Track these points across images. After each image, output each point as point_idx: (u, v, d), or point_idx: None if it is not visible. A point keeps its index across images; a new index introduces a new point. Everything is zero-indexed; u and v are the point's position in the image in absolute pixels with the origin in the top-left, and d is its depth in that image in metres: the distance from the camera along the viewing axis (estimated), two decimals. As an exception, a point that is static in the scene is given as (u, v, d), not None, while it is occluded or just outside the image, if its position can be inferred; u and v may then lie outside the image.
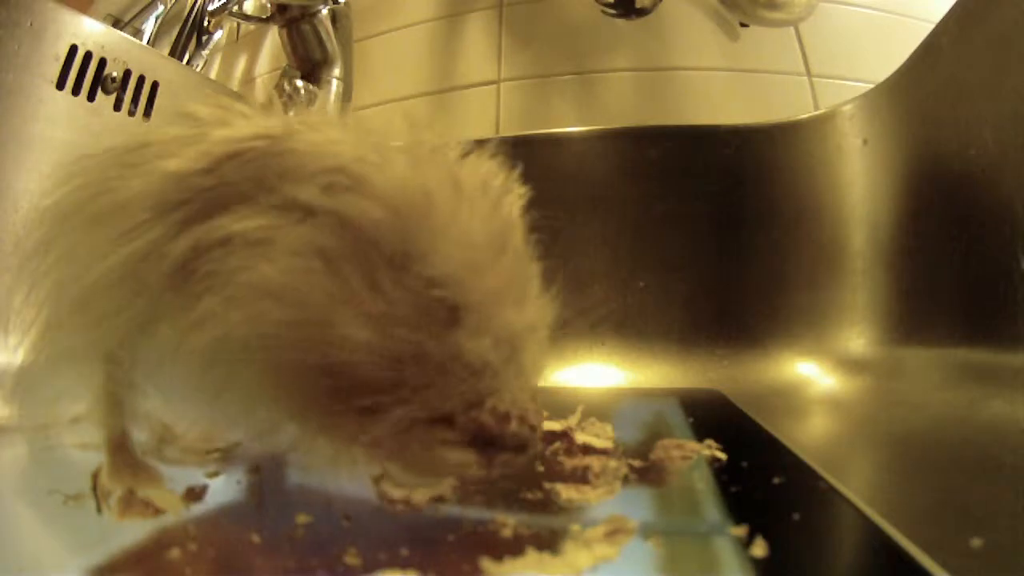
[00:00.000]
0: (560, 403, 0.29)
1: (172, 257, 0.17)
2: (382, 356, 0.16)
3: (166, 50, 0.64)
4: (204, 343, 0.17)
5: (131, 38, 0.46)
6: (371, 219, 0.16)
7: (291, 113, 0.21)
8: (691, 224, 0.47)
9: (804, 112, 0.46)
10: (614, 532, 0.17)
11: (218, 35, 0.67)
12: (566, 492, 0.21)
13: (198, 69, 0.64)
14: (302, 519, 0.19)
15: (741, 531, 0.17)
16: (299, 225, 0.17)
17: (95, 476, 0.21)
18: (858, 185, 0.42)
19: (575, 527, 0.18)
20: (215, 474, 0.23)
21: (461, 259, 0.17)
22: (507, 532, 0.18)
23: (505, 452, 0.18)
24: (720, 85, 0.55)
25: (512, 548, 0.16)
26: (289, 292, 0.16)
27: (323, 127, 0.19)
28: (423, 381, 0.17)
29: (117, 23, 0.61)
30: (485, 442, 0.17)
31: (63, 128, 0.40)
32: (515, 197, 0.20)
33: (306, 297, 0.16)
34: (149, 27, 0.63)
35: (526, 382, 0.18)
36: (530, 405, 0.18)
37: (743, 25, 0.55)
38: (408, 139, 0.19)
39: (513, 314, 0.18)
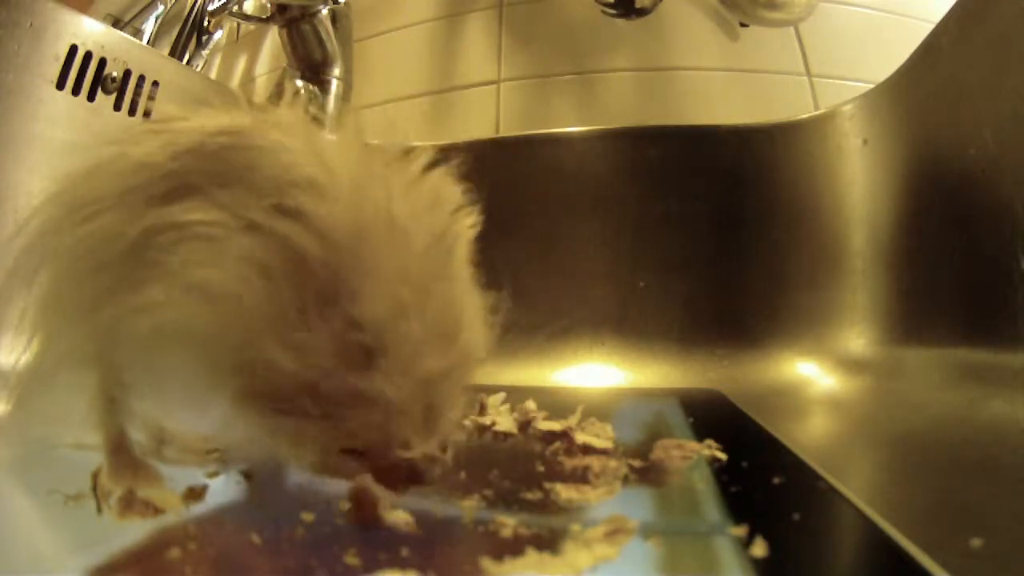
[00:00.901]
0: (560, 403, 0.29)
1: (127, 238, 0.18)
2: (299, 381, 0.17)
3: (166, 50, 0.64)
4: (144, 329, 0.17)
5: (131, 38, 0.46)
6: (307, 251, 0.17)
7: (255, 108, 0.22)
8: (691, 224, 0.47)
9: (804, 112, 0.46)
10: (614, 532, 0.17)
11: (218, 35, 0.67)
12: (566, 492, 0.21)
13: (198, 69, 0.64)
14: (302, 519, 0.19)
15: (741, 531, 0.17)
16: (245, 235, 0.17)
17: (95, 476, 0.21)
18: (858, 185, 0.42)
19: (575, 527, 0.18)
20: (215, 474, 0.23)
21: (385, 303, 0.17)
22: (507, 532, 0.18)
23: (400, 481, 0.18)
24: (720, 85, 0.55)
25: (512, 548, 0.16)
26: (226, 300, 0.17)
27: (285, 128, 0.19)
28: (332, 413, 0.17)
29: (117, 23, 0.61)
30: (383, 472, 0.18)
31: (63, 128, 0.40)
32: (463, 222, 0.20)
33: (240, 309, 0.17)
34: (149, 27, 0.63)
35: (435, 426, 0.18)
36: (432, 448, 0.18)
37: (743, 25, 0.55)
38: (364, 149, 0.19)
39: (431, 359, 0.18)
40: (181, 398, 0.19)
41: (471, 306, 0.20)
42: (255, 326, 0.17)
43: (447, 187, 0.20)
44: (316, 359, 0.17)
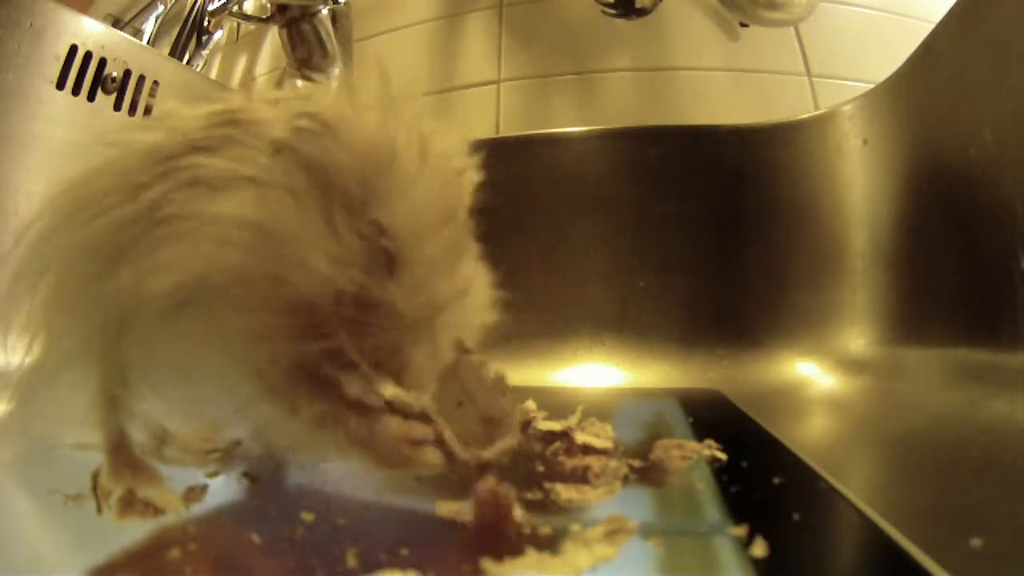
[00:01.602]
0: (560, 403, 0.29)
1: (137, 217, 0.18)
2: (330, 292, 0.17)
3: (166, 50, 0.64)
4: (165, 287, 0.17)
5: (131, 38, 0.46)
6: (336, 162, 0.17)
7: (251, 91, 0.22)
8: (691, 224, 0.47)
9: (804, 112, 0.46)
10: (614, 532, 0.17)
11: (218, 35, 0.67)
12: (566, 492, 0.21)
13: (198, 69, 0.64)
14: (302, 519, 0.19)
15: (741, 531, 0.17)
16: (269, 158, 0.17)
17: (95, 476, 0.21)
18: (858, 185, 0.42)
19: (575, 527, 0.18)
20: (215, 474, 0.23)
21: (412, 218, 0.18)
22: (507, 532, 0.18)
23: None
24: (720, 85, 0.55)
25: (512, 548, 0.16)
26: (255, 223, 0.17)
27: (291, 94, 0.20)
28: (358, 321, 0.17)
29: (117, 23, 0.61)
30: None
31: (63, 128, 0.40)
32: (470, 175, 0.21)
33: (271, 228, 0.17)
34: (149, 27, 0.63)
35: (446, 340, 0.19)
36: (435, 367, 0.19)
37: (743, 25, 0.55)
38: (382, 96, 0.20)
39: (445, 279, 0.19)
40: (202, 382, 0.19)
41: (472, 249, 0.21)
42: (290, 246, 0.17)
43: (456, 142, 0.21)
44: (346, 268, 0.17)
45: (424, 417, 0.19)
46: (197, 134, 0.19)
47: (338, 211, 0.17)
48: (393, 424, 0.18)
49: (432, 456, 0.19)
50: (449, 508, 0.19)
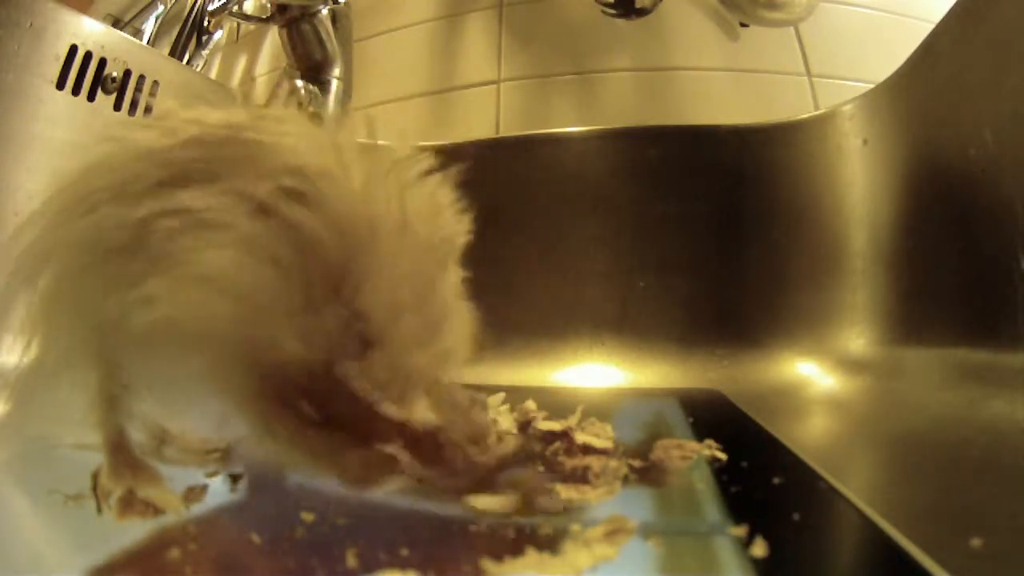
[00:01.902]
0: (560, 403, 0.29)
1: (127, 228, 0.18)
2: (302, 365, 0.17)
3: (166, 50, 0.64)
4: (146, 323, 0.17)
5: (131, 38, 0.46)
6: (319, 238, 0.17)
7: (256, 105, 0.22)
8: (691, 224, 0.47)
9: (804, 112, 0.46)
10: (614, 532, 0.17)
11: (218, 35, 0.67)
12: (566, 492, 0.21)
13: (198, 69, 0.64)
14: (302, 519, 0.19)
15: (741, 531, 0.17)
16: (253, 220, 0.17)
17: (95, 476, 0.21)
18: (858, 185, 0.42)
19: (575, 527, 0.18)
20: (215, 474, 0.23)
21: (388, 299, 0.18)
22: (507, 532, 0.18)
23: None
24: (720, 85, 0.55)
25: (512, 548, 0.16)
26: (234, 288, 0.17)
27: (288, 122, 0.20)
28: (329, 390, 0.18)
29: (117, 23, 0.61)
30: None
31: (63, 128, 0.40)
32: (459, 228, 0.21)
33: (250, 297, 0.17)
34: (149, 27, 0.63)
35: (409, 404, 0.19)
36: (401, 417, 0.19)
37: (743, 25, 0.55)
38: (368, 146, 0.20)
39: (420, 354, 0.19)
40: (180, 395, 0.19)
41: (460, 310, 0.21)
42: (266, 317, 0.17)
43: (444, 191, 0.21)
44: (319, 343, 0.17)
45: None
46: (193, 150, 0.19)
47: (317, 287, 0.17)
48: (360, 452, 0.19)
49: (398, 480, 0.19)
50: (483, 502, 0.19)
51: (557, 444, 0.26)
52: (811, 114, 0.46)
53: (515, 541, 0.17)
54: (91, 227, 0.19)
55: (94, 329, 0.20)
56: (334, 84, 0.58)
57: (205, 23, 0.65)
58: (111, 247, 0.18)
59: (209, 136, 0.19)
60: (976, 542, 0.16)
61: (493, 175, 0.49)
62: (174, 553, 0.16)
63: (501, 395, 0.31)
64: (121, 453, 0.21)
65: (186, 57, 0.64)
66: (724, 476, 0.22)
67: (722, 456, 0.24)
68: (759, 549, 0.16)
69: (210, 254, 0.17)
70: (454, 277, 0.21)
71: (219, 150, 0.19)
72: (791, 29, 0.55)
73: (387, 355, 0.18)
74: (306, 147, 0.19)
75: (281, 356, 0.17)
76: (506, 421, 0.28)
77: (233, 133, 0.19)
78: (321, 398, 0.18)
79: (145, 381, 0.20)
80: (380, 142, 0.21)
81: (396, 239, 0.18)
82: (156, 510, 0.19)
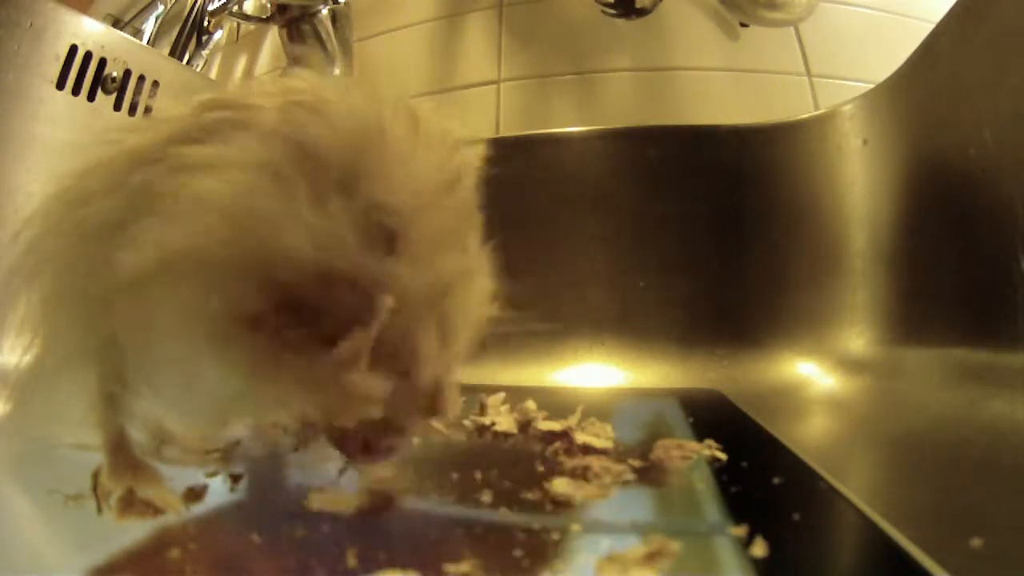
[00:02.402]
0: (560, 403, 0.29)
1: (122, 192, 0.17)
2: (317, 275, 0.16)
3: (166, 50, 0.64)
4: (131, 262, 0.16)
5: (131, 38, 0.46)
6: (325, 142, 0.16)
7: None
8: (691, 224, 0.47)
9: (804, 112, 0.46)
10: (655, 555, 0.16)
11: (218, 35, 0.67)
12: (562, 487, 0.21)
13: (198, 69, 0.64)
14: (302, 518, 0.19)
15: (741, 531, 0.17)
16: (250, 143, 0.17)
17: (95, 476, 0.21)
18: (858, 185, 0.42)
19: (575, 527, 0.18)
20: (215, 474, 0.23)
21: (409, 193, 0.17)
22: (514, 534, 0.18)
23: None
24: (720, 85, 0.55)
25: (512, 548, 0.16)
26: (235, 206, 0.16)
27: (273, 87, 0.19)
28: (349, 307, 0.16)
29: (117, 23, 0.61)
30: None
31: (63, 128, 0.40)
32: (470, 153, 0.20)
33: (252, 211, 0.16)
34: (149, 27, 0.63)
35: (450, 327, 0.18)
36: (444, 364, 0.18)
37: (743, 25, 0.55)
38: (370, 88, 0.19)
39: (451, 253, 0.18)
40: (178, 352, 0.18)
41: (477, 225, 0.20)
42: (272, 228, 0.16)
43: (450, 123, 0.20)
44: (339, 249, 0.16)
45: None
46: (183, 125, 0.19)
47: (329, 190, 0.16)
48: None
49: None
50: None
51: (557, 444, 0.26)
52: (811, 114, 0.46)
53: (515, 541, 0.17)
54: (87, 221, 0.19)
55: (94, 328, 0.20)
56: (334, 84, 0.58)
57: (205, 23, 0.65)
58: (103, 231, 0.18)
59: (201, 109, 0.19)
60: (976, 542, 0.16)
61: (493, 175, 0.49)
62: (174, 553, 0.16)
63: (501, 395, 0.31)
64: (121, 453, 0.21)
65: (186, 57, 0.64)
66: (724, 476, 0.22)
67: (722, 456, 0.24)
68: (759, 549, 0.16)
69: (205, 182, 0.16)
70: (470, 186, 0.19)
71: (212, 114, 0.18)
72: (791, 29, 0.55)
73: (418, 251, 0.17)
74: (307, 86, 0.18)
75: (291, 269, 0.16)
76: (506, 421, 0.28)
77: (226, 102, 0.19)
78: (314, 315, 0.16)
79: (146, 354, 0.19)
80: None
81: (407, 137, 0.17)
82: (156, 510, 0.19)
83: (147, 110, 0.45)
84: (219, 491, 0.21)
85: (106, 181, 0.19)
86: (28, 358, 0.21)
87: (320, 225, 0.16)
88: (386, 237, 0.16)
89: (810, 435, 0.32)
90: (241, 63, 0.71)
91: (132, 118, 0.44)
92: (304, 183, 0.16)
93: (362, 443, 0.18)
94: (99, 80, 0.42)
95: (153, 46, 0.62)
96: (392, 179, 0.17)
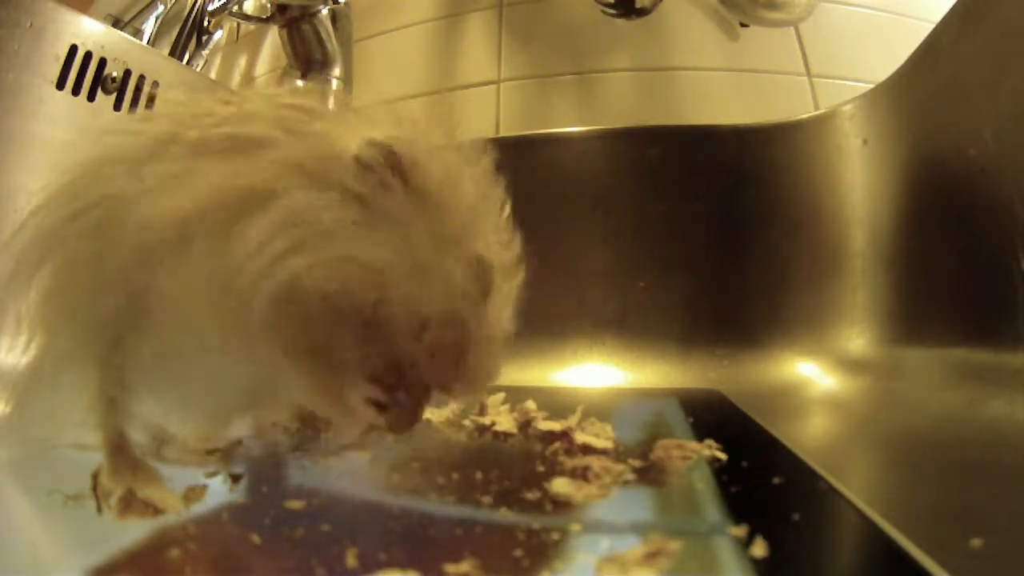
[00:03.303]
0: (560, 403, 0.29)
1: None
2: (417, 316, 0.19)
3: (166, 50, 0.64)
4: (279, 286, 0.17)
5: (131, 38, 0.46)
6: (443, 197, 0.19)
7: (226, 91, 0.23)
8: (691, 224, 0.47)
9: (804, 112, 0.46)
10: (654, 554, 0.16)
11: (218, 35, 0.67)
12: (562, 487, 0.21)
13: (198, 69, 0.64)
14: (301, 518, 0.19)
15: (741, 531, 0.17)
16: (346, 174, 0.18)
17: (95, 476, 0.21)
18: (858, 185, 0.42)
19: (575, 527, 0.18)
20: (215, 474, 0.23)
21: (494, 253, 0.20)
22: (513, 534, 0.18)
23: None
24: (720, 85, 0.55)
25: (512, 548, 0.16)
26: (376, 267, 0.18)
27: (270, 97, 0.21)
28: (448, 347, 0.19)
29: (117, 23, 0.61)
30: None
31: (63, 128, 0.40)
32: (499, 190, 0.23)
33: (387, 265, 0.18)
34: (149, 27, 0.63)
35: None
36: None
37: (743, 25, 0.55)
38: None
39: (509, 311, 0.21)
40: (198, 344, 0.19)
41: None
42: (393, 271, 0.18)
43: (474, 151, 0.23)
44: (453, 290, 0.19)
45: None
46: (197, 132, 0.19)
47: (446, 243, 0.19)
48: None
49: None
50: None
51: (557, 444, 0.26)
52: (811, 114, 0.46)
53: (515, 541, 0.17)
54: (94, 214, 0.19)
55: (94, 329, 0.20)
56: (334, 84, 0.58)
57: (205, 23, 0.65)
58: (119, 215, 0.19)
59: (204, 119, 0.19)
60: (976, 542, 0.16)
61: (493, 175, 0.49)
62: (174, 553, 0.16)
63: (501, 395, 0.31)
64: (121, 453, 0.21)
65: (186, 57, 0.64)
66: (724, 476, 0.22)
67: (722, 456, 0.24)
68: (759, 549, 0.16)
69: (349, 242, 0.18)
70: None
71: (221, 130, 0.19)
72: (791, 29, 0.55)
73: (496, 305, 0.20)
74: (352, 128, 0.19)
75: (397, 309, 0.18)
76: (506, 421, 0.28)
77: (229, 114, 0.20)
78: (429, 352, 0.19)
79: (165, 351, 0.20)
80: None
81: (484, 202, 0.21)
82: (156, 510, 0.19)
83: (158, 106, 0.45)
84: (219, 491, 0.21)
85: (120, 173, 0.19)
86: (29, 358, 0.21)
87: (443, 275, 0.19)
88: (482, 288, 0.20)
89: (810, 435, 0.32)
90: (241, 63, 0.71)
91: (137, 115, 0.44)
92: (424, 232, 0.19)
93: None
94: (99, 80, 0.42)
95: (153, 46, 0.62)
96: (485, 242, 0.20)
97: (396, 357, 0.20)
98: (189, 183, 0.18)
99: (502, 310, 0.21)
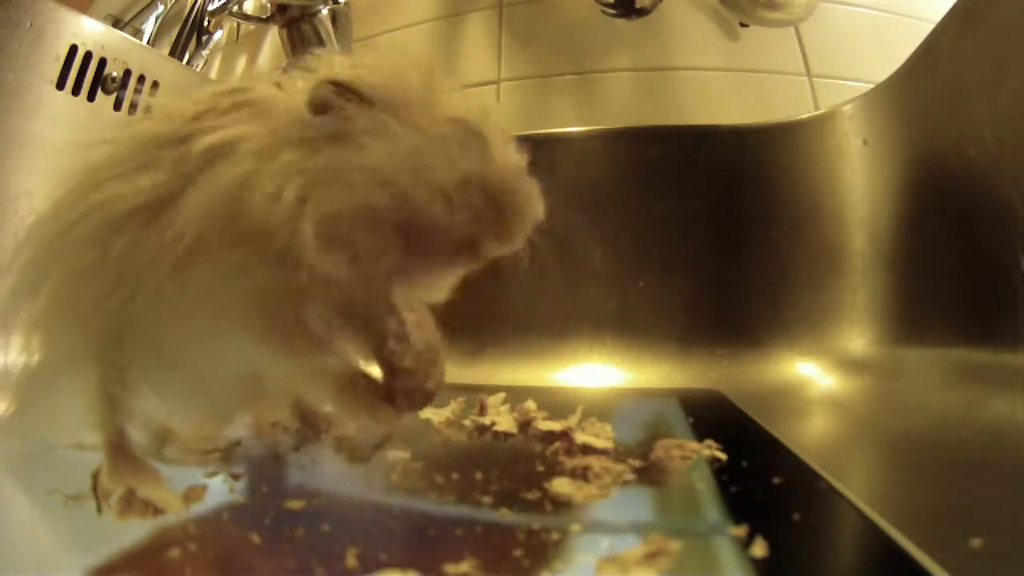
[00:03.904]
0: (560, 403, 0.29)
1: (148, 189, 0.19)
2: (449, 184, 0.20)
3: (166, 50, 0.64)
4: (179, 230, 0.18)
5: (131, 38, 0.46)
6: (396, 94, 0.20)
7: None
8: (691, 224, 0.47)
9: (804, 112, 0.46)
10: (654, 554, 0.16)
11: (218, 35, 0.67)
12: (562, 487, 0.21)
13: (198, 69, 0.64)
14: (301, 517, 0.19)
15: (741, 531, 0.17)
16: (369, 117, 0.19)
17: (95, 476, 0.21)
18: (858, 185, 0.42)
19: (575, 527, 0.18)
20: (215, 474, 0.23)
21: (465, 112, 0.21)
22: (513, 534, 0.18)
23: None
24: (720, 85, 0.55)
25: (512, 548, 0.16)
26: (378, 171, 0.19)
27: (278, 81, 0.21)
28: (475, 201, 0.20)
29: (117, 23, 0.61)
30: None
31: (63, 128, 0.40)
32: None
33: (391, 170, 0.19)
34: (149, 27, 0.63)
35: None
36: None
37: (743, 25, 0.55)
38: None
39: (515, 153, 0.22)
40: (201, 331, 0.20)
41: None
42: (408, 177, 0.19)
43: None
44: (464, 217, 0.20)
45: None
46: (202, 120, 0.19)
47: (420, 119, 0.20)
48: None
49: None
50: None
51: (557, 444, 0.26)
52: (811, 114, 0.46)
53: (515, 541, 0.17)
54: (96, 220, 0.19)
55: (95, 331, 0.20)
56: (334, 84, 0.58)
57: (205, 23, 0.65)
58: (123, 219, 0.19)
59: (212, 106, 0.20)
60: (976, 542, 0.16)
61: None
62: (174, 553, 0.16)
63: (501, 395, 0.31)
64: (121, 453, 0.21)
65: (186, 57, 0.64)
66: (724, 476, 0.22)
67: (722, 456, 0.24)
68: (759, 549, 0.16)
69: (360, 154, 0.19)
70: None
71: (228, 111, 0.20)
72: (791, 29, 0.55)
73: (496, 150, 0.21)
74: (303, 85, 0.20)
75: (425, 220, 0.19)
76: (506, 421, 0.28)
77: (233, 96, 0.20)
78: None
79: (168, 340, 0.20)
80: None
81: (437, 79, 0.21)
82: (156, 510, 0.19)
83: (147, 110, 0.45)
84: (219, 491, 0.21)
85: (116, 177, 0.19)
86: (30, 359, 0.21)
87: (435, 143, 0.20)
88: (475, 138, 0.21)
89: (810, 435, 0.32)
90: (241, 63, 0.71)
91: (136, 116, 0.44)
92: (392, 119, 0.19)
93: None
94: (99, 80, 0.42)
95: (153, 46, 0.62)
96: (450, 103, 0.21)
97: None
98: (180, 192, 0.19)
99: (505, 146, 0.22)
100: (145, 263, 0.19)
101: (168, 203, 0.19)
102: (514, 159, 0.22)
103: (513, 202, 0.21)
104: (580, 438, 0.25)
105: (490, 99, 0.24)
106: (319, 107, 0.19)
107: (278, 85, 0.21)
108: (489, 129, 0.21)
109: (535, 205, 0.23)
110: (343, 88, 0.19)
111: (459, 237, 0.20)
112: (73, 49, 0.41)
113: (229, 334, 0.20)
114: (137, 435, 0.22)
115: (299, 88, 0.20)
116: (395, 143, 0.19)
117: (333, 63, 0.21)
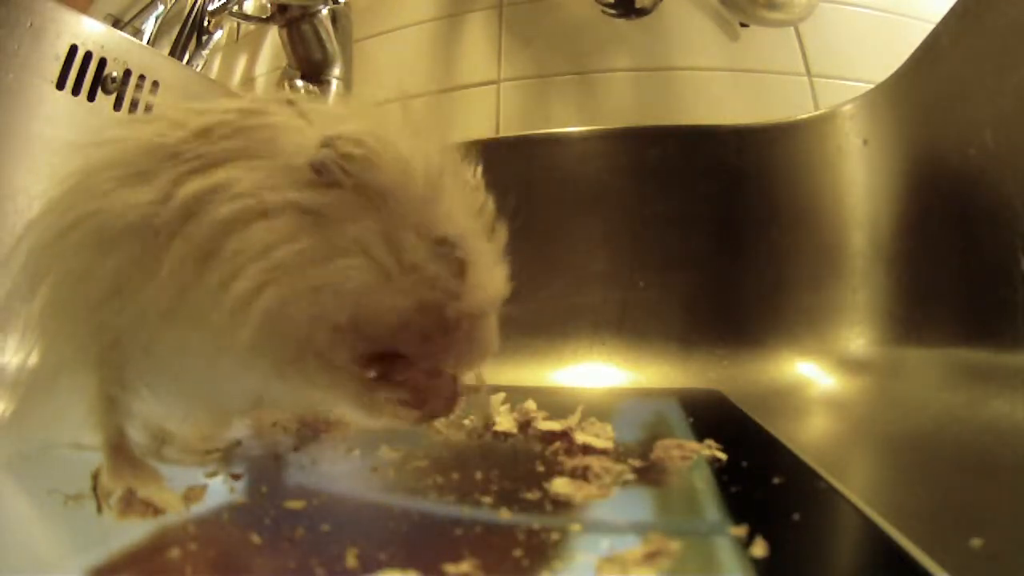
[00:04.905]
0: (560, 403, 0.29)
1: (170, 211, 0.19)
2: (406, 318, 0.19)
3: (166, 50, 0.64)
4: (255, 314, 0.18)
5: (131, 38, 0.46)
6: (398, 189, 0.19)
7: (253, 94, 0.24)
8: (691, 224, 0.47)
9: (804, 112, 0.46)
10: (654, 554, 0.16)
11: (218, 35, 0.67)
12: (562, 487, 0.21)
13: (198, 69, 0.64)
14: (301, 518, 0.19)
15: (741, 531, 0.17)
16: (302, 178, 0.19)
17: (95, 476, 0.21)
18: (858, 185, 0.42)
19: (575, 527, 0.18)
20: (215, 474, 0.23)
21: (462, 225, 0.20)
22: (513, 534, 0.18)
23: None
24: (720, 85, 0.55)
25: (512, 548, 0.16)
26: (342, 281, 0.19)
27: (288, 105, 0.21)
28: (432, 331, 0.20)
29: (117, 23, 0.61)
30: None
31: (63, 128, 0.40)
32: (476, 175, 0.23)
33: (356, 285, 0.19)
34: (149, 27, 0.63)
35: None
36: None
37: (743, 25, 0.55)
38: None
39: (497, 273, 0.22)
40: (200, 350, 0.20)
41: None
42: (373, 294, 0.19)
43: (440, 133, 0.23)
44: (424, 279, 0.19)
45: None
46: (206, 138, 0.19)
47: (403, 233, 0.19)
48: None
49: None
50: None
51: (557, 444, 0.26)
52: (811, 114, 0.46)
53: (515, 541, 0.17)
54: (96, 224, 0.19)
55: (95, 331, 0.20)
56: (334, 84, 0.58)
57: (205, 23, 0.65)
58: (130, 227, 0.19)
59: (217, 124, 0.19)
60: (976, 542, 0.16)
61: (493, 175, 0.49)
62: (174, 553, 0.16)
63: (501, 395, 0.31)
64: (121, 453, 0.21)
65: (186, 57, 0.64)
66: (724, 476, 0.22)
67: (722, 456, 0.24)
68: (759, 549, 0.16)
69: (303, 245, 0.18)
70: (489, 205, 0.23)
71: (233, 135, 0.19)
72: (791, 29, 0.55)
73: (477, 276, 0.20)
74: (320, 125, 0.20)
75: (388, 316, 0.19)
76: (506, 421, 0.28)
77: (240, 118, 0.20)
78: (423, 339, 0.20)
79: (174, 349, 0.20)
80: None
81: (447, 179, 0.20)
82: (156, 510, 0.19)
83: (147, 110, 0.45)
84: (219, 491, 0.21)
85: (118, 179, 0.19)
86: (30, 359, 0.21)
87: (408, 271, 0.19)
88: (458, 266, 0.20)
89: (810, 435, 0.32)
90: (241, 63, 0.71)
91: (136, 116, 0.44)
92: (376, 227, 0.19)
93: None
94: (99, 80, 0.42)
95: (153, 46, 0.62)
96: (452, 219, 0.20)
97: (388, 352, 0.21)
98: (166, 233, 0.19)
99: (488, 274, 0.21)
100: (137, 285, 0.19)
101: (160, 231, 0.19)
102: (492, 287, 0.21)
103: (467, 338, 0.21)
104: (580, 438, 0.25)
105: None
106: (318, 168, 0.19)
107: (296, 109, 0.21)
108: (477, 253, 0.21)
109: (485, 346, 0.22)
110: (345, 155, 0.19)
111: (414, 355, 0.21)
112: (73, 49, 0.41)
113: (232, 355, 0.19)
114: (137, 435, 0.22)
115: (312, 125, 0.20)
116: (369, 257, 0.19)
117: (352, 108, 0.21)
